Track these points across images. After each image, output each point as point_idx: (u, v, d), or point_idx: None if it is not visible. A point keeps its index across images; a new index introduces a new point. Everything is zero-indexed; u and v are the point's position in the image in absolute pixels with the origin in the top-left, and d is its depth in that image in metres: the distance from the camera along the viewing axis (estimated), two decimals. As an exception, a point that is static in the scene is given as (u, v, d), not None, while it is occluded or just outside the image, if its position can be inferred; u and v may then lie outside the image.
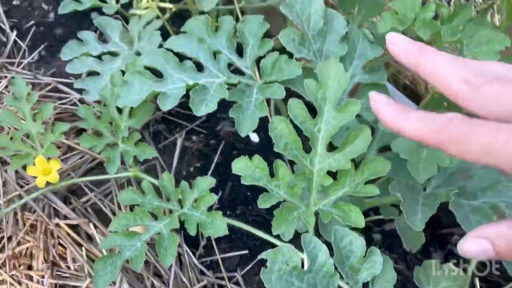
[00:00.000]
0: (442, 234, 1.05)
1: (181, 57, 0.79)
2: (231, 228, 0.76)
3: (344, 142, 0.69)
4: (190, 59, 0.79)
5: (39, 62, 1.19)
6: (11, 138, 0.85)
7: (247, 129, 0.71)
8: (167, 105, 0.70)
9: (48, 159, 0.86)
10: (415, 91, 1.31)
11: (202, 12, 0.95)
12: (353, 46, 0.89)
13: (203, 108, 0.70)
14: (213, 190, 0.79)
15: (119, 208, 1.00)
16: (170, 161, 1.04)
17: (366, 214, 1.02)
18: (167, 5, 1.12)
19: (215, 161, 1.05)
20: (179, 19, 1.27)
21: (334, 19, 0.87)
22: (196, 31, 0.83)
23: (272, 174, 0.71)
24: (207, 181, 0.78)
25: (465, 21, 0.88)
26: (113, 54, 0.98)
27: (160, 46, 0.93)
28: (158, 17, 0.98)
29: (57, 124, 0.87)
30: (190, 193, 0.79)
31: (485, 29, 0.79)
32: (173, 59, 0.75)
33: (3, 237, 0.96)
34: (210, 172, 1.03)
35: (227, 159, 1.06)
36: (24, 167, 0.89)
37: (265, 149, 1.08)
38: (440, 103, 1.10)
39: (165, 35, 0.97)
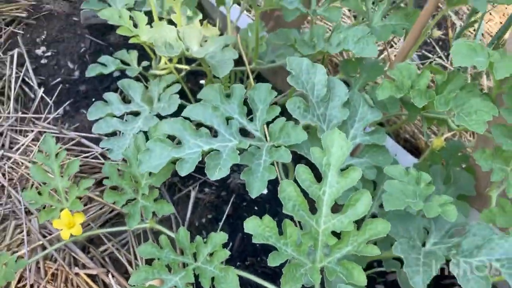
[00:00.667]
0: (444, 284, 1.09)
1: (198, 123, 0.87)
2: (241, 279, 0.82)
3: (346, 205, 0.75)
4: (206, 126, 0.87)
5: (64, 117, 1.28)
6: (39, 193, 0.93)
7: (257, 190, 0.78)
8: (184, 170, 0.78)
9: (72, 212, 0.93)
10: (415, 145, 1.38)
11: (215, 76, 1.04)
12: (355, 110, 0.97)
13: (217, 173, 0.77)
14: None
15: (135, 258, 1.06)
16: (184, 212, 1.10)
17: (370, 265, 1.07)
18: (183, 66, 1.22)
19: (226, 212, 1.11)
20: (193, 75, 1.38)
21: (336, 86, 0.95)
22: (210, 98, 0.92)
23: (280, 232, 0.77)
24: (220, 237, 0.84)
25: (458, 87, 0.96)
26: (135, 114, 1.07)
27: (178, 107, 1.03)
28: (177, 81, 1.07)
29: (82, 180, 0.95)
30: (204, 247, 0.85)
31: (475, 98, 0.87)
32: (190, 127, 0.83)
33: (25, 285, 1.02)
34: (221, 223, 1.09)
35: (237, 211, 1.12)
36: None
37: (273, 201, 1.14)
38: (439, 157, 1.16)
39: (180, 92, 1.07)
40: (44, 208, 0.95)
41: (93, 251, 1.07)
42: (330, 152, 0.76)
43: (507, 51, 0.95)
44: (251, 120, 0.93)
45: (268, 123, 0.92)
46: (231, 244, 1.06)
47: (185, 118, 0.85)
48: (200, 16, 1.27)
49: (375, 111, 0.97)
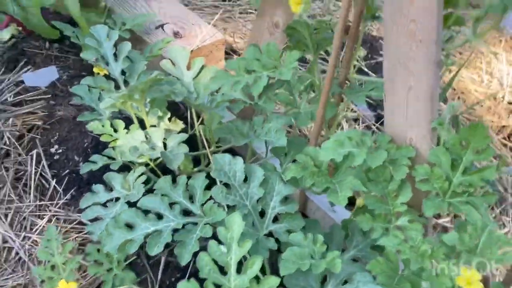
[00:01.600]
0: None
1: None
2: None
3: (245, 267, 1.04)
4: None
5: (71, 201, 1.65)
6: (44, 268, 1.27)
7: (186, 260, 1.09)
8: (132, 248, 1.09)
9: (68, 281, 1.27)
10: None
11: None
12: (272, 187, 1.27)
13: (155, 249, 1.09)
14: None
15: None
16: (156, 273, 1.42)
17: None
18: (151, 164, 1.56)
19: (188, 273, 1.41)
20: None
21: (256, 171, 1.26)
22: (162, 187, 1.25)
23: (204, 290, 1.07)
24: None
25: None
26: (116, 199, 1.41)
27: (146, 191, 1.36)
28: (143, 173, 1.41)
29: (75, 256, 1.29)
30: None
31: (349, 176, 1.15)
32: (141, 214, 1.16)
33: None
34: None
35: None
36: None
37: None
38: (363, 212, 1.42)
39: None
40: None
41: (90, 311, 1.40)
42: (232, 229, 1.06)
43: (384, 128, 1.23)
44: (193, 202, 1.25)
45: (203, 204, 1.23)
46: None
47: (138, 208, 1.18)
48: (168, 114, 1.63)
49: (288, 187, 1.27)
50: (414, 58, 1.05)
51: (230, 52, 2.40)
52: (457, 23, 1.12)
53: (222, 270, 1.06)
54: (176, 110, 1.99)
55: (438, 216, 1.81)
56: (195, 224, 1.19)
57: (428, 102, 1.08)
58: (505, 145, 2.23)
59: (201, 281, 1.07)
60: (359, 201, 1.37)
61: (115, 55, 1.54)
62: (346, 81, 1.38)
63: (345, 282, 1.15)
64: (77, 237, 1.54)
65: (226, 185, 1.25)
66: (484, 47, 2.70)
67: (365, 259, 1.26)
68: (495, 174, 1.06)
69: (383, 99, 1.20)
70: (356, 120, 2.17)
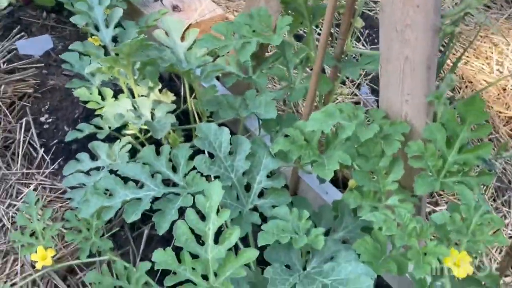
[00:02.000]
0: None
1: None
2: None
3: (223, 238, 0.99)
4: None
5: (58, 170, 1.61)
6: (22, 233, 1.24)
7: (164, 229, 1.04)
8: (107, 215, 1.05)
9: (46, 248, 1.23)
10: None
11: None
12: (259, 161, 1.22)
13: (132, 216, 1.04)
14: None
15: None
16: (139, 246, 1.38)
17: None
18: (140, 136, 1.52)
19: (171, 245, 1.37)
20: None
21: (243, 143, 1.21)
22: (146, 156, 1.21)
23: (179, 260, 1.02)
24: (146, 265, 1.11)
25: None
26: (99, 169, 1.37)
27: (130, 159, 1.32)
28: (129, 142, 1.37)
29: (54, 224, 1.25)
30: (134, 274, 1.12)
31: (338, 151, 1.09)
32: (120, 182, 1.12)
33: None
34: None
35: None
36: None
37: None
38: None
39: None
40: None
41: (70, 279, 1.36)
42: (212, 198, 1.01)
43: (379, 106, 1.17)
44: (176, 172, 1.20)
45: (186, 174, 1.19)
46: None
47: (117, 174, 1.14)
48: (159, 86, 1.58)
49: (276, 161, 1.21)
50: (411, 25, 0.99)
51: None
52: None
53: (200, 240, 1.01)
54: (173, 86, 1.95)
55: (436, 204, 1.75)
56: (177, 194, 1.15)
57: (425, 73, 1.02)
58: (512, 136, 2.15)
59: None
60: (352, 182, 1.32)
61: (106, 21, 1.49)
62: (343, 55, 1.32)
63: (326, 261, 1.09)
64: (61, 206, 1.51)
65: (212, 156, 1.20)
66: (496, 34, 2.62)
67: (354, 241, 1.21)
68: (490, 152, 0.99)
69: (379, 73, 1.14)
70: (357, 104, 2.10)
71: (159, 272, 1.31)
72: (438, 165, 1.05)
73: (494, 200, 1.83)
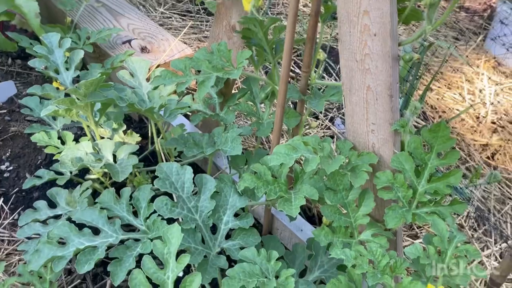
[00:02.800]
0: None
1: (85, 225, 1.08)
2: None
3: (182, 286, 0.91)
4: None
5: (17, 221, 1.51)
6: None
7: (120, 279, 0.96)
8: (58, 266, 0.97)
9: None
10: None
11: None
12: (226, 199, 1.16)
13: (86, 267, 0.96)
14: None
15: None
16: (101, 299, 1.28)
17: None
18: (104, 180, 1.45)
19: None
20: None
21: (207, 182, 1.15)
22: (106, 200, 1.14)
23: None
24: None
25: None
26: (58, 217, 1.29)
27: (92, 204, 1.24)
28: (87, 188, 1.30)
29: (8, 278, 1.15)
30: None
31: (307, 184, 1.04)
32: (75, 229, 1.04)
33: None
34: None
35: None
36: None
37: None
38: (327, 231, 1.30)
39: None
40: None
41: None
42: (170, 243, 0.94)
43: (346, 135, 1.13)
44: (137, 216, 1.13)
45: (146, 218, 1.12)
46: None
47: (72, 222, 1.06)
48: (124, 127, 1.53)
49: (243, 198, 1.15)
50: (369, 54, 0.97)
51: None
52: (414, 18, 1.05)
53: (159, 290, 0.93)
54: (142, 127, 1.90)
55: (415, 237, 1.69)
56: (137, 240, 1.07)
57: (388, 102, 0.99)
58: (488, 165, 2.13)
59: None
60: (325, 219, 1.26)
61: (67, 63, 1.45)
62: (308, 87, 1.30)
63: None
64: (20, 259, 1.41)
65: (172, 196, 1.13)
66: (465, 64, 2.66)
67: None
68: (460, 179, 0.95)
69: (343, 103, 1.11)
70: (332, 137, 2.07)
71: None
72: (408, 195, 1.01)
73: (475, 230, 1.78)
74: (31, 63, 1.41)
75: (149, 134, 1.68)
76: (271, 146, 1.27)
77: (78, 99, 1.20)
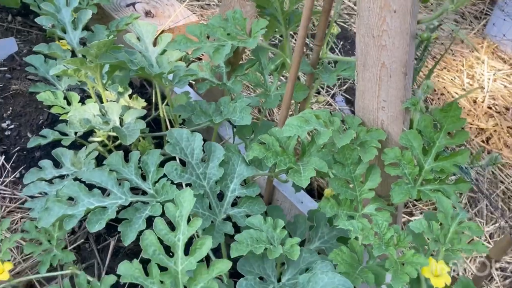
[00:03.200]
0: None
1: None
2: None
3: (193, 249, 0.94)
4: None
5: (19, 179, 1.52)
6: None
7: (130, 239, 0.98)
8: (70, 224, 0.98)
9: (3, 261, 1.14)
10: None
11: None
12: (233, 168, 1.17)
13: (97, 226, 0.98)
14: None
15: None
16: (104, 259, 1.30)
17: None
18: (107, 143, 1.45)
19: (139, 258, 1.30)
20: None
21: (216, 150, 1.16)
22: (114, 163, 1.14)
23: (147, 273, 0.96)
24: (110, 279, 1.03)
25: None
26: (63, 177, 1.29)
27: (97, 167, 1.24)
28: (96, 150, 1.30)
29: (12, 235, 1.17)
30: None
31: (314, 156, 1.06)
32: (85, 189, 1.05)
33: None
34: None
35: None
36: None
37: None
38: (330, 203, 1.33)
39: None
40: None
41: (30, 295, 1.27)
42: (182, 206, 0.96)
43: (355, 113, 1.15)
44: (145, 180, 1.14)
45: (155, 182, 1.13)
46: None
47: (82, 182, 1.07)
48: (130, 91, 1.52)
49: (250, 168, 1.17)
50: (387, 31, 0.97)
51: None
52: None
53: (169, 251, 0.95)
54: (144, 93, 1.89)
55: (410, 214, 1.74)
56: (146, 203, 1.09)
57: (402, 79, 1.01)
58: (483, 149, 2.17)
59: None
60: (327, 191, 1.28)
61: (74, 23, 1.43)
62: (319, 62, 1.30)
63: (302, 272, 1.05)
64: (22, 217, 1.42)
65: (183, 163, 1.14)
66: (467, 46, 2.67)
67: (330, 251, 1.17)
68: (467, 158, 0.98)
69: (355, 79, 1.12)
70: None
71: (125, 286, 1.25)
72: (414, 172, 1.03)
73: (468, 211, 1.83)
74: (38, 20, 1.38)
75: (153, 100, 1.67)
76: (280, 118, 1.28)
77: (87, 59, 1.19)
